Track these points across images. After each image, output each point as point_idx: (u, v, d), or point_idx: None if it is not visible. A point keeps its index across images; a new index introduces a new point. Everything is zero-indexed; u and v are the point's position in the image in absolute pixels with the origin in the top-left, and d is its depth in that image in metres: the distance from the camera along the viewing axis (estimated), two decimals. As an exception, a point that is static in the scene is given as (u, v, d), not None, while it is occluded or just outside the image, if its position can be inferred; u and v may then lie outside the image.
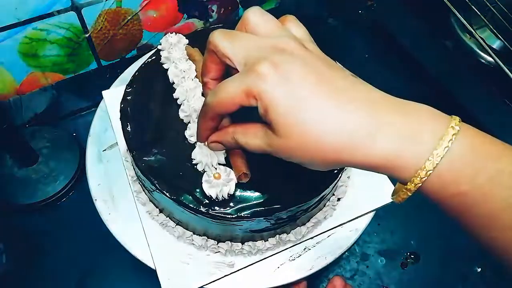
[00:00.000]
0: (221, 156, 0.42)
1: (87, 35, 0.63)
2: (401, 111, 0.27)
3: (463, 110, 0.69)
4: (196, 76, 0.49)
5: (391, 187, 0.52)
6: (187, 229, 0.48)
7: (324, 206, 0.50)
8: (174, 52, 0.50)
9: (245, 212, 0.41)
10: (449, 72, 0.70)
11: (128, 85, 0.50)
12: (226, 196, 0.41)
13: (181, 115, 0.46)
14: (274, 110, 0.27)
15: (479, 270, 0.58)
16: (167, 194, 0.42)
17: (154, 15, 0.66)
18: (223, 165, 0.42)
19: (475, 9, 0.62)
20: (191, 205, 0.41)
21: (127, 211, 0.50)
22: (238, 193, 0.42)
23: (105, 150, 0.55)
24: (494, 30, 0.62)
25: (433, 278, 0.58)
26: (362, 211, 0.51)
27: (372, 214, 0.51)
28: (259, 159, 0.43)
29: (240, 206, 0.41)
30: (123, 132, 0.46)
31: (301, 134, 0.27)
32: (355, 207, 0.51)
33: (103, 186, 0.53)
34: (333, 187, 0.47)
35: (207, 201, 0.41)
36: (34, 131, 0.65)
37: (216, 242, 0.47)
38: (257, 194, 0.42)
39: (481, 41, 0.59)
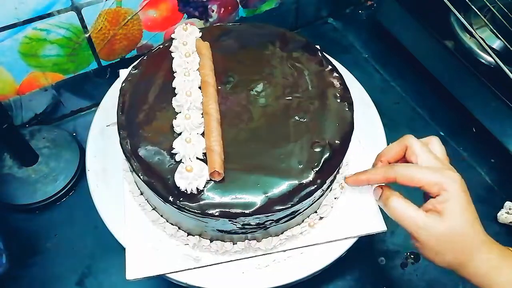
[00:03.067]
0: (199, 151, 0.42)
1: (87, 35, 0.63)
2: (496, 251, 0.40)
3: (463, 110, 0.69)
4: (198, 69, 0.49)
5: (378, 217, 0.49)
6: (161, 216, 0.48)
7: (303, 221, 0.48)
8: (184, 42, 0.51)
9: (211, 210, 0.41)
10: (449, 72, 0.70)
11: (134, 67, 0.51)
12: (195, 191, 0.41)
13: (174, 103, 0.46)
14: (454, 204, 0.39)
15: (479, 270, 0.58)
16: (141, 176, 0.43)
17: (154, 15, 0.66)
18: (201, 160, 0.42)
19: (475, 9, 0.62)
20: (161, 192, 0.42)
21: (114, 187, 0.51)
22: (209, 190, 0.42)
23: (109, 125, 0.55)
24: (494, 30, 0.62)
25: (433, 278, 0.58)
26: (342, 235, 0.48)
27: (352, 241, 0.49)
28: (239, 163, 0.43)
29: (207, 203, 0.41)
30: (117, 110, 0.47)
31: (451, 231, 0.39)
32: (336, 230, 0.49)
33: (98, 158, 0.53)
34: (309, 204, 0.46)
35: (176, 192, 0.41)
36: (34, 131, 0.65)
37: (186, 234, 0.47)
38: (227, 195, 0.42)
39: (481, 41, 0.59)
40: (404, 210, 0.40)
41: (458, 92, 0.70)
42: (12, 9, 0.54)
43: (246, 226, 0.43)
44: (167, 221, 0.48)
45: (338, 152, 0.45)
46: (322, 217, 0.49)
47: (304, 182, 0.43)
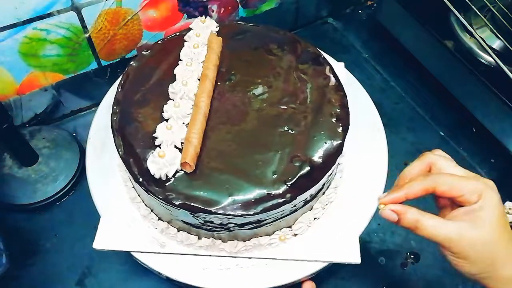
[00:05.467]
0: (178, 140, 0.43)
1: (87, 35, 0.63)
2: None
3: (463, 110, 0.69)
4: (202, 61, 0.50)
5: (355, 248, 0.47)
6: (139, 195, 0.49)
7: (273, 233, 0.47)
8: (198, 34, 0.52)
9: (175, 200, 0.41)
10: (449, 72, 0.70)
11: (146, 49, 0.52)
12: (163, 177, 0.41)
13: (170, 90, 0.47)
14: (490, 211, 0.37)
15: (479, 270, 0.58)
16: (120, 152, 0.44)
17: (154, 15, 0.66)
18: (178, 149, 0.43)
19: (475, 9, 0.62)
20: (133, 172, 0.43)
21: (108, 161, 0.52)
22: (178, 179, 0.42)
23: None
24: (494, 30, 0.62)
25: (433, 278, 0.58)
26: (311, 257, 0.47)
27: (322, 265, 0.47)
28: (215, 160, 0.43)
29: (173, 191, 0.41)
30: (117, 86, 0.48)
31: (485, 239, 0.37)
32: (307, 250, 0.47)
33: (101, 133, 0.54)
34: (278, 217, 0.44)
35: (147, 175, 0.42)
36: (34, 131, 0.65)
37: (157, 218, 0.48)
38: (194, 188, 0.42)
39: (481, 41, 0.59)
40: (438, 228, 0.38)
41: (458, 92, 0.70)
42: (12, 9, 0.54)
43: (208, 224, 0.43)
44: (142, 202, 0.49)
45: (318, 171, 0.44)
46: (297, 234, 0.48)
47: (273, 193, 0.42)
